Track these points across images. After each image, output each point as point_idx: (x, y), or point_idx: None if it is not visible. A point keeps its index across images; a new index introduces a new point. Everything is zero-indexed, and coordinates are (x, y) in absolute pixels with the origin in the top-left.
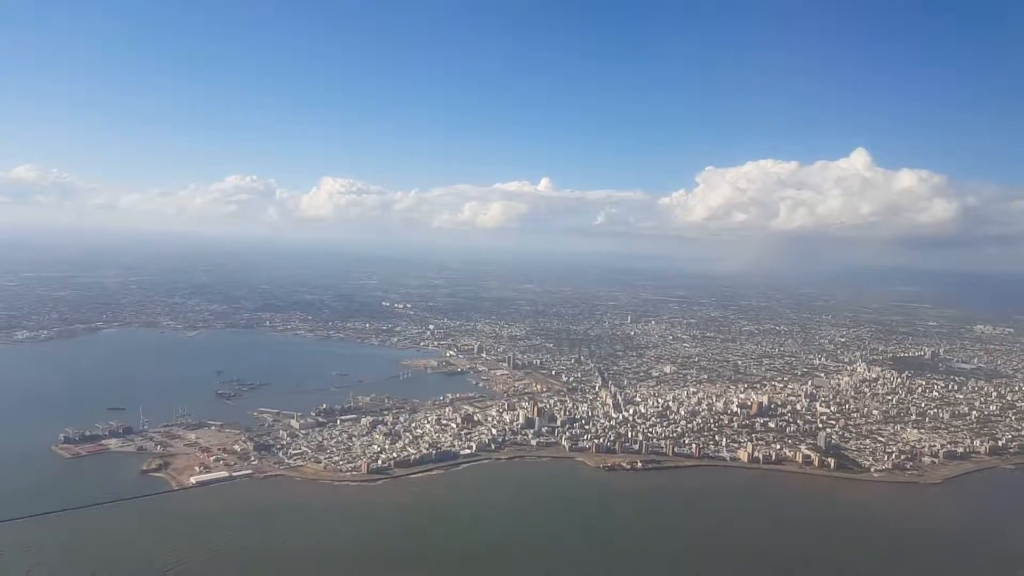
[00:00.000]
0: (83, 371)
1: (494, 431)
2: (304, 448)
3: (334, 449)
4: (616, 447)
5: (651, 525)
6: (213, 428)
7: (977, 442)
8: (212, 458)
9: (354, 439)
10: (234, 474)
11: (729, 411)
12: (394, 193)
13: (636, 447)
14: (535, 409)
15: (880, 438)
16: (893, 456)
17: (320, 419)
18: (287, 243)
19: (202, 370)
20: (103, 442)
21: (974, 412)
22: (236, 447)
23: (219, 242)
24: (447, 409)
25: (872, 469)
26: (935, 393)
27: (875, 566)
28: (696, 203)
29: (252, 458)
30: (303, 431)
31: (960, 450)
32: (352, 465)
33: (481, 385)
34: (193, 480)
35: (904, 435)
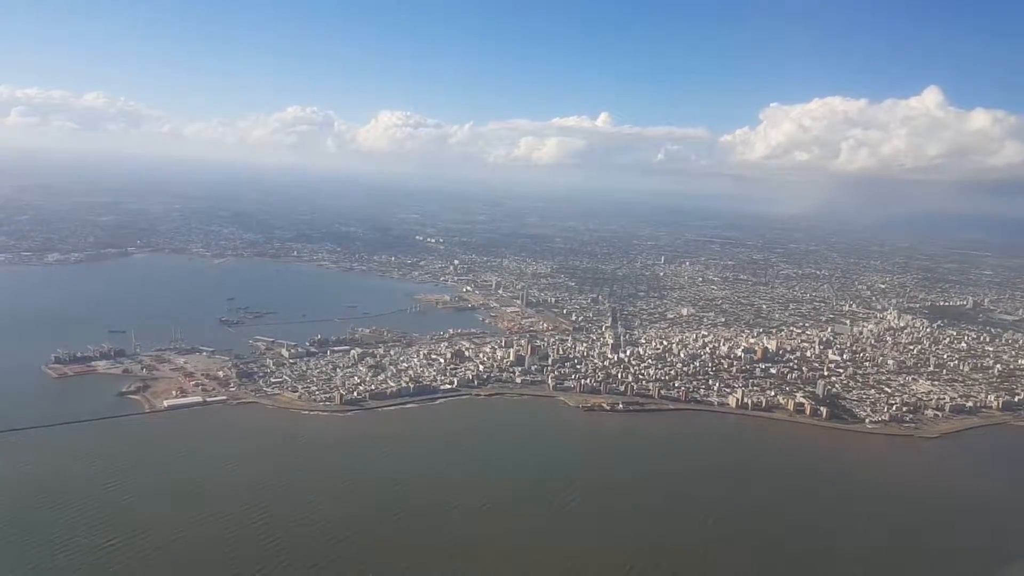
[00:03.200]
0: (98, 294)
1: (481, 367)
2: (285, 377)
3: (315, 379)
4: (602, 388)
5: (601, 466)
6: (204, 354)
7: (991, 397)
8: (192, 383)
9: (338, 370)
10: (208, 399)
11: (732, 355)
12: (450, 127)
13: (622, 388)
14: (528, 347)
15: (887, 389)
16: (893, 408)
17: (312, 349)
18: (342, 175)
19: (216, 297)
20: (93, 363)
21: (999, 365)
22: (219, 373)
23: (274, 173)
24: (443, 344)
25: (867, 421)
26: (963, 344)
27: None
28: (758, 141)
29: (232, 385)
30: (291, 360)
31: (969, 404)
32: (327, 396)
33: (488, 322)
34: (166, 404)
35: (914, 387)
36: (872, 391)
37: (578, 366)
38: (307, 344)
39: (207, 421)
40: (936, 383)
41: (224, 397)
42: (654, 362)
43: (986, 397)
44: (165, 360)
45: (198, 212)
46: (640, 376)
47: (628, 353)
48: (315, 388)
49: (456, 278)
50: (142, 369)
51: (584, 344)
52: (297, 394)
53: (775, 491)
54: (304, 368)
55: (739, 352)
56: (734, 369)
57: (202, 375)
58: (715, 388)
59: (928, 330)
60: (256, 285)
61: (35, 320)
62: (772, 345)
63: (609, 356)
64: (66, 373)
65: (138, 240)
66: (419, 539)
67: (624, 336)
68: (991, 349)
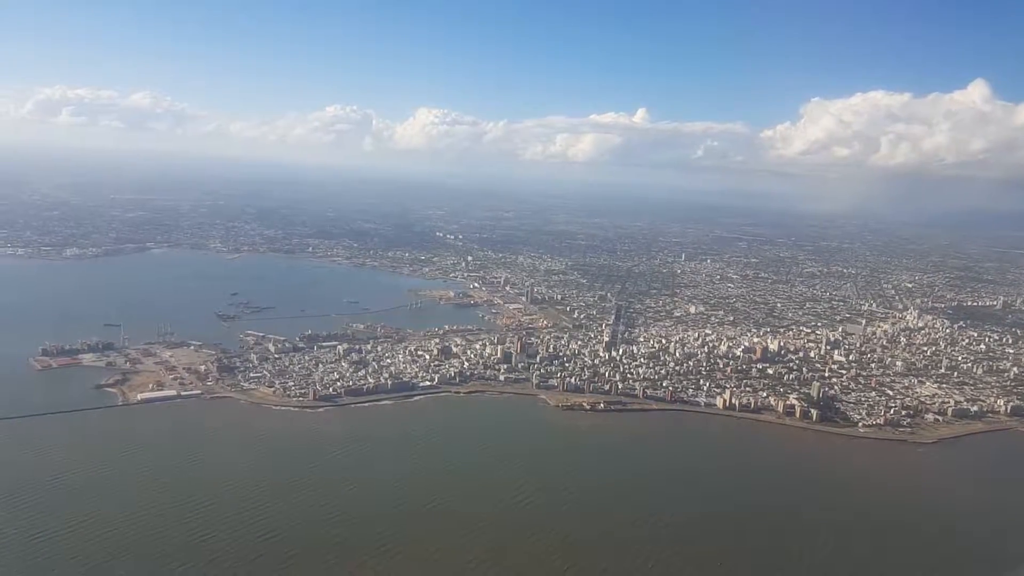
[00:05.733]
0: (105, 288)
1: (466, 364)
2: (265, 372)
3: (294, 374)
4: (586, 387)
5: (561, 466)
6: (191, 348)
7: (1000, 401)
8: (172, 377)
9: (320, 366)
10: (183, 393)
11: (730, 355)
12: (486, 124)
13: (607, 387)
14: (518, 344)
15: (889, 392)
16: (891, 412)
17: (300, 344)
18: (377, 173)
19: (221, 291)
20: (79, 356)
21: (1015, 368)
22: (201, 367)
23: (310, 171)
24: (433, 341)
25: (860, 424)
26: (981, 346)
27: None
28: (798, 137)
29: (210, 379)
30: (277, 355)
31: (975, 408)
32: (302, 391)
33: (487, 318)
34: (139, 397)
35: (919, 390)
36: (873, 393)
37: (567, 364)
38: (295, 339)
39: (175, 415)
40: (944, 386)
41: (199, 391)
42: (646, 361)
43: (995, 401)
44: (151, 354)
45: (224, 209)
46: (628, 375)
47: (620, 351)
48: (292, 384)
49: (467, 274)
50: (126, 362)
51: (579, 342)
52: (272, 390)
53: (736, 493)
54: (287, 363)
55: (738, 352)
56: (729, 369)
57: (183, 369)
58: (705, 388)
59: (947, 331)
60: (263, 280)
61: (36, 312)
62: (774, 345)
63: (600, 354)
64: (51, 365)
65: (158, 236)
66: (355, 539)
67: (623, 334)
68: (1011, 351)
